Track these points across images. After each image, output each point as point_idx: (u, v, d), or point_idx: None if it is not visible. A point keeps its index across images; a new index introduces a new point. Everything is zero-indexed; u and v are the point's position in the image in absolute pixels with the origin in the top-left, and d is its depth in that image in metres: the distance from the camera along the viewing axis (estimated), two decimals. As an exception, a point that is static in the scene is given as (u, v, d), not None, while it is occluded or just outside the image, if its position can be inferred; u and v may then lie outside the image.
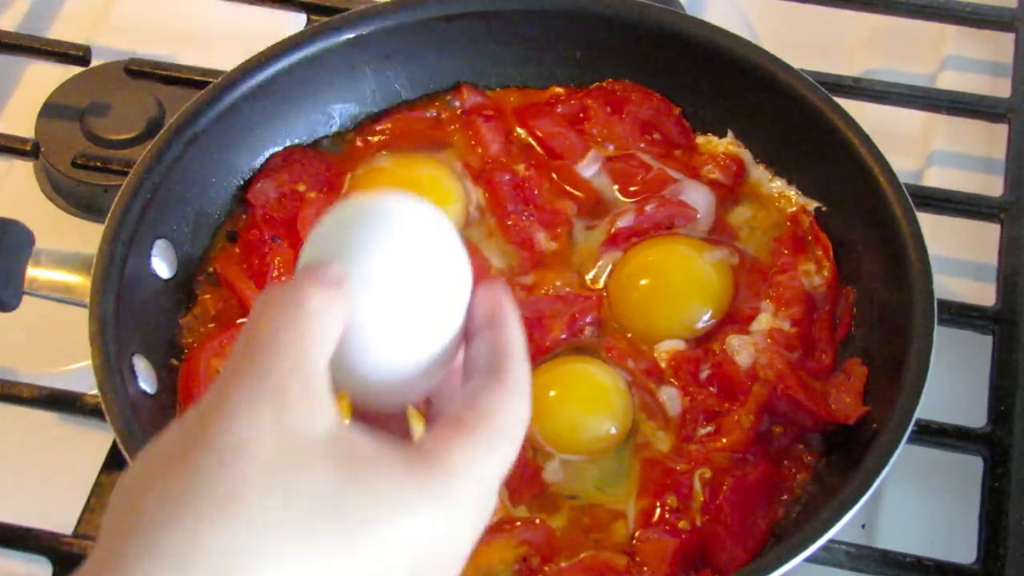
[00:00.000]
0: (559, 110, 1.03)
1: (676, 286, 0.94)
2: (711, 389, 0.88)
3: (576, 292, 0.93)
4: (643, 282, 0.94)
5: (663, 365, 0.90)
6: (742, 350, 0.89)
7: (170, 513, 0.46)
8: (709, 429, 0.87)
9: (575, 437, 0.87)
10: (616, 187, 0.99)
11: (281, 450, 0.48)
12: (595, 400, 0.89)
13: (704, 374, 0.89)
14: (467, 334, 0.57)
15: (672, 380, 0.89)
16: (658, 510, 0.83)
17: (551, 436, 0.87)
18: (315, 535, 0.47)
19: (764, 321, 0.91)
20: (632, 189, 0.99)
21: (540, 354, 0.90)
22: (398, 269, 0.54)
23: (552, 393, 0.89)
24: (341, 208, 0.56)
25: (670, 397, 0.89)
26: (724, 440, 0.85)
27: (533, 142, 1.02)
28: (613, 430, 0.87)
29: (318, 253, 0.54)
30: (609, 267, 0.95)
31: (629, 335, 0.92)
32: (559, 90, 1.04)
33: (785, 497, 0.84)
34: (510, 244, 0.96)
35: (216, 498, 0.46)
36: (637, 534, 0.83)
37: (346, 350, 0.53)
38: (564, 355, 0.91)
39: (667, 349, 0.90)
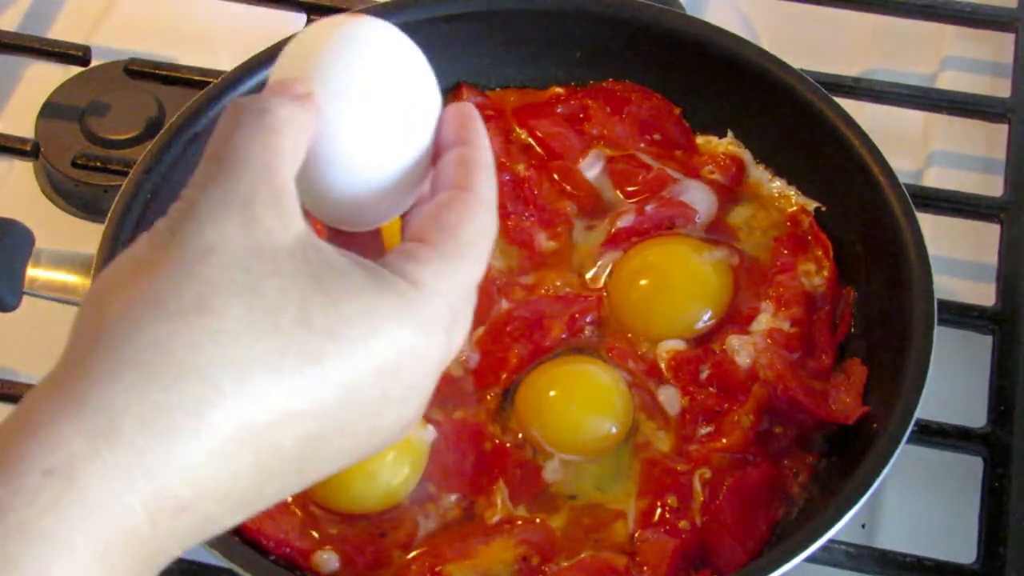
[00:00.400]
0: (559, 110, 1.03)
1: (676, 286, 0.94)
2: (711, 389, 0.88)
3: (576, 292, 0.93)
4: (643, 282, 0.94)
5: (663, 365, 0.90)
6: (742, 350, 0.89)
7: (135, 319, 0.46)
8: (709, 429, 0.87)
9: (575, 437, 0.87)
10: (616, 187, 0.99)
11: (248, 256, 0.48)
12: (595, 400, 0.88)
13: (704, 374, 0.89)
14: (435, 153, 0.57)
15: (672, 380, 0.89)
16: (658, 510, 0.83)
17: (551, 436, 0.87)
18: (280, 343, 0.47)
19: (764, 321, 0.91)
20: (632, 189, 0.99)
21: (540, 354, 0.90)
22: (364, 86, 0.55)
23: (552, 393, 0.89)
24: (306, 32, 0.57)
25: (670, 397, 0.88)
26: (724, 440, 0.85)
27: (533, 142, 1.02)
28: (613, 430, 0.87)
29: (285, 73, 0.56)
30: (609, 267, 0.95)
31: (629, 335, 0.92)
32: (559, 90, 1.04)
33: (785, 497, 0.84)
34: (510, 244, 0.96)
35: (182, 303, 0.47)
36: (637, 534, 0.83)
37: (315, 170, 0.54)
38: (564, 355, 0.91)
39: (667, 349, 0.90)
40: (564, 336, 0.91)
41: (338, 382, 0.49)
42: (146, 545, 0.45)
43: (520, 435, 0.87)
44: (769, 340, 0.89)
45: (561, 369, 0.90)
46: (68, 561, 0.43)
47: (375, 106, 0.55)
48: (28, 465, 0.44)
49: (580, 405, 0.89)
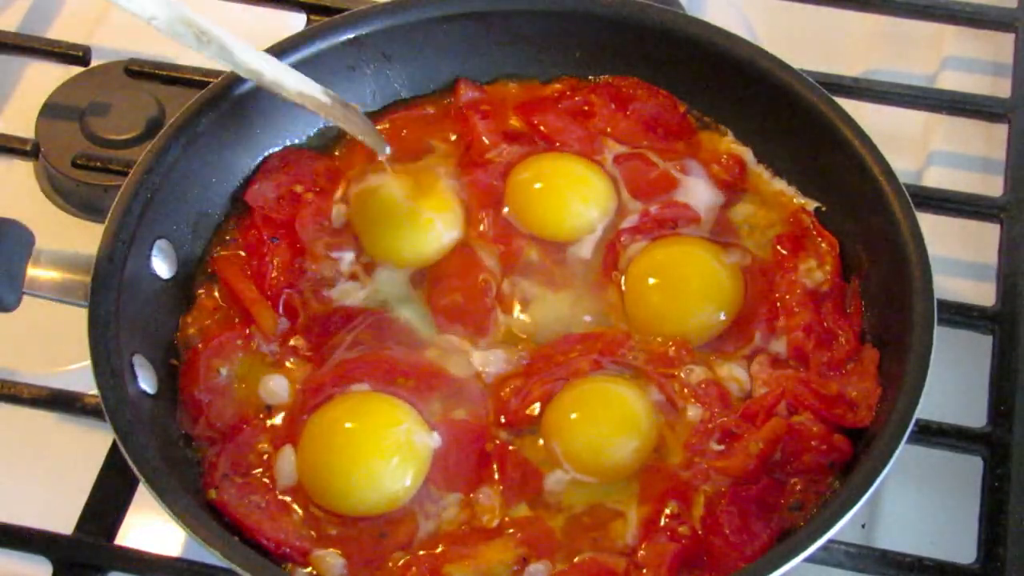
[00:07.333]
0: (562, 106, 1.03)
1: (694, 290, 0.93)
2: (732, 415, 0.87)
3: (600, 330, 0.92)
4: (661, 284, 0.93)
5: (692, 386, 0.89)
6: (759, 377, 0.88)
7: None
8: (720, 448, 0.86)
9: (597, 462, 0.86)
10: (624, 187, 0.99)
11: None
12: (622, 427, 0.87)
13: (731, 398, 0.88)
14: None
15: (698, 401, 0.88)
16: (663, 517, 0.83)
17: (571, 456, 0.86)
18: None
19: (778, 345, 0.90)
20: (639, 189, 0.98)
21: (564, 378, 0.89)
22: None
23: (573, 415, 0.87)
24: None
25: (693, 414, 0.87)
26: (728, 462, 0.84)
27: (537, 137, 1.02)
28: (635, 460, 0.85)
29: None
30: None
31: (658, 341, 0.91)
32: (560, 86, 1.04)
33: (785, 503, 0.84)
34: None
35: None
36: (639, 542, 0.82)
37: None
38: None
39: (697, 376, 0.89)
40: (588, 369, 0.89)
41: None
42: None
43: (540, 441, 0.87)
44: (783, 365, 0.88)
45: (588, 388, 0.88)
46: None
47: None
48: None
49: (606, 431, 0.87)
